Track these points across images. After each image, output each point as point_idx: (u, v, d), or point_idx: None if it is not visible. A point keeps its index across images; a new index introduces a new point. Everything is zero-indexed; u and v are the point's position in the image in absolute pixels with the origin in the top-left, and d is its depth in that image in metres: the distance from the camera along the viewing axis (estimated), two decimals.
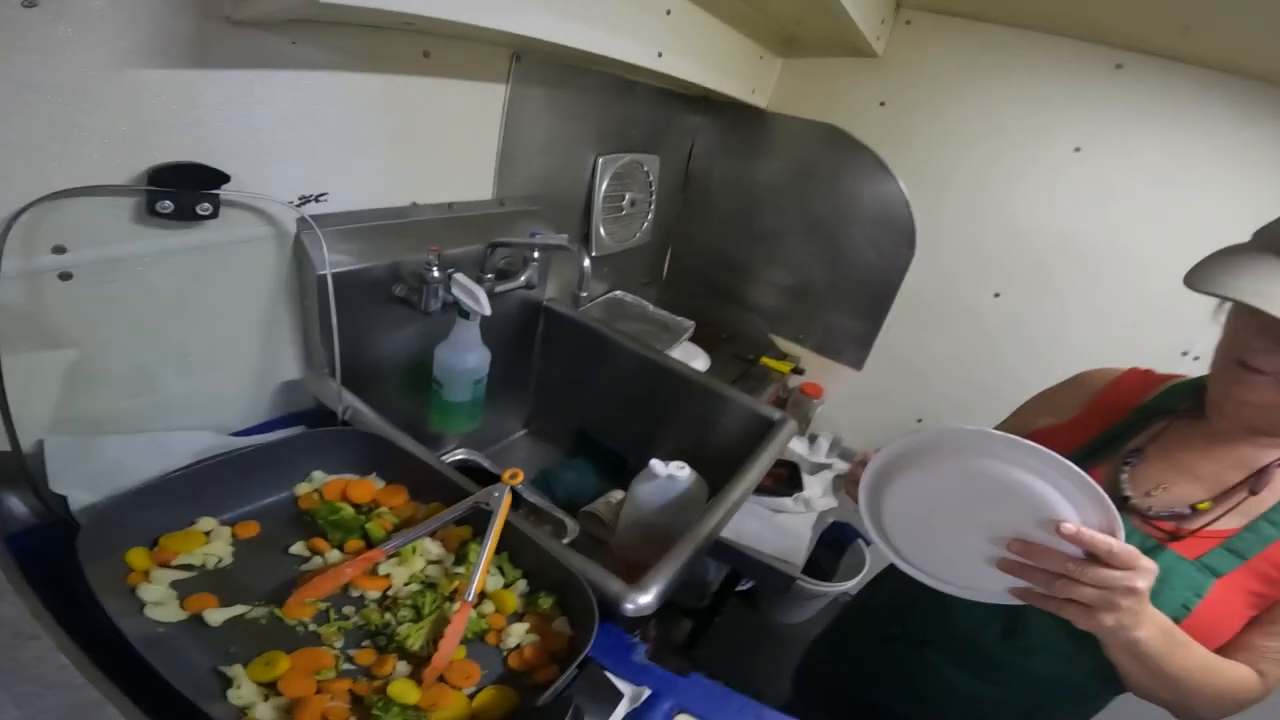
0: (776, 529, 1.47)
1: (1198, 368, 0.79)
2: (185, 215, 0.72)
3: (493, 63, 1.10)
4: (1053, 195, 1.62)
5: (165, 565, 0.62)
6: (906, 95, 1.71)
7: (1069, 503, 0.55)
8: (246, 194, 0.79)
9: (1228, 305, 0.71)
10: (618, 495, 1.21)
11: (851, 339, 1.97)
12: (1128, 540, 0.62)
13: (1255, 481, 0.70)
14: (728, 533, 1.36)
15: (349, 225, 0.93)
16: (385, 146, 0.98)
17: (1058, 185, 1.61)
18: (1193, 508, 0.72)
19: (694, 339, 1.81)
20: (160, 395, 0.81)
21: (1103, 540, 0.55)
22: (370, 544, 0.71)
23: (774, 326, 2.08)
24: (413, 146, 1.03)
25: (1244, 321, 0.67)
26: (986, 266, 1.74)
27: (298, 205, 0.87)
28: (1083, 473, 0.55)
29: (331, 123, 0.88)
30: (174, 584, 0.61)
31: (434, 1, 0.75)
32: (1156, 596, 0.63)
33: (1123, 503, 0.75)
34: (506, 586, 0.70)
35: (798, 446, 1.87)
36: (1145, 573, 0.57)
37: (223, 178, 0.74)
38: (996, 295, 1.74)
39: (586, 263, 1.08)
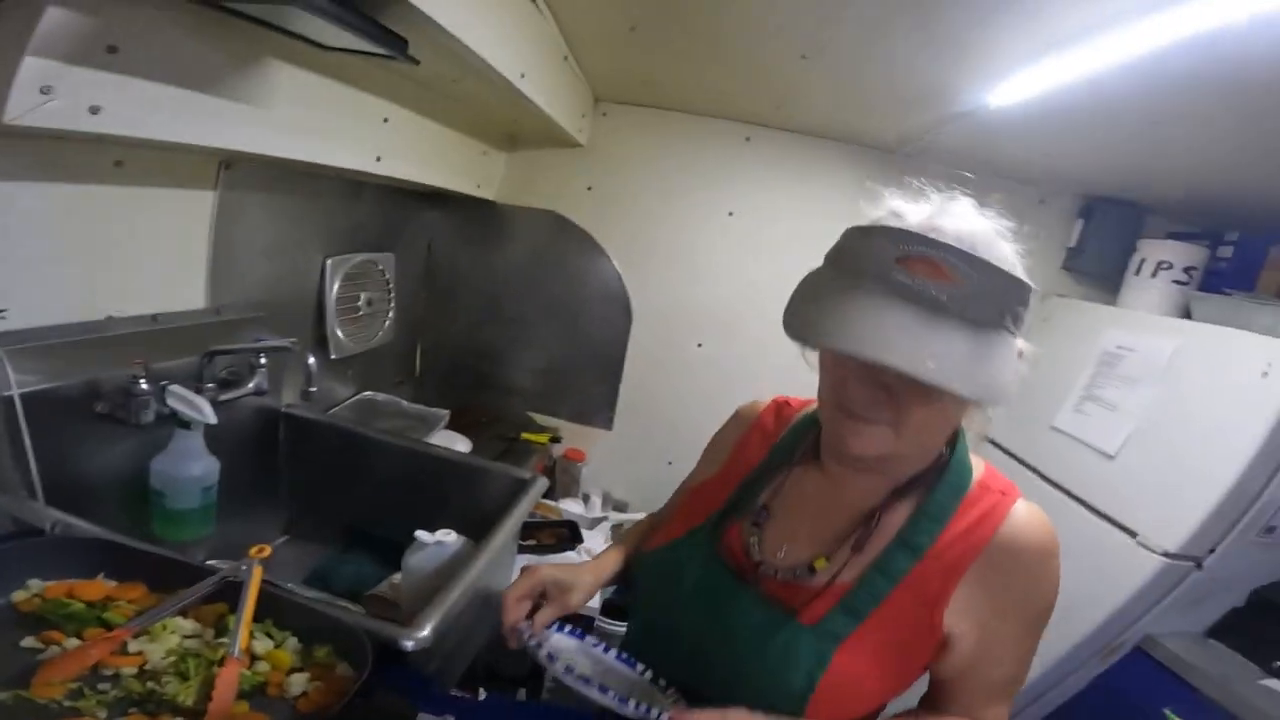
0: None
1: None
2: None
3: (197, 170, 1.11)
4: (719, 256, 2.05)
5: None
6: (608, 178, 2.06)
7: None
8: None
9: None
10: (398, 577, 1.20)
11: (598, 404, 2.20)
12: (753, 613, 0.69)
13: (862, 533, 0.68)
14: None
15: (35, 343, 0.86)
16: (75, 258, 0.93)
17: (720, 247, 2.05)
18: (811, 567, 0.69)
19: (455, 426, 1.85)
20: None
21: None
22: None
23: (531, 404, 2.22)
24: (107, 258, 0.99)
25: (838, 365, 0.64)
26: (685, 323, 2.11)
27: None
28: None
29: (11, 235, 0.83)
30: None
31: (125, 121, 0.76)
32: (784, 672, 0.64)
33: (755, 569, 0.72)
34: (277, 647, 0.69)
35: (574, 507, 1.99)
36: None
37: None
38: (699, 345, 2.12)
39: (311, 360, 1.13)
